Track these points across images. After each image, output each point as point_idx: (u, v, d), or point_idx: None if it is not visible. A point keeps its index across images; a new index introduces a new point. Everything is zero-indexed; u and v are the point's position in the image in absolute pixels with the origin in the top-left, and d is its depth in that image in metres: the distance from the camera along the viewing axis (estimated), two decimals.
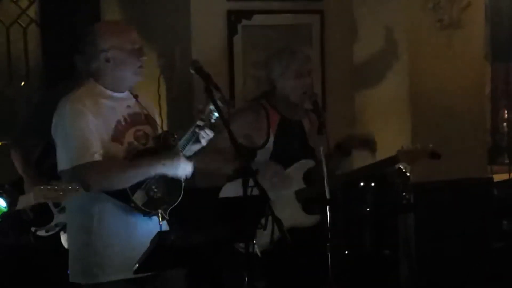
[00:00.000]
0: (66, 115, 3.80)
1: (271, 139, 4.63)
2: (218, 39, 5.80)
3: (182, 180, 3.93)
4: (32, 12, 6.14)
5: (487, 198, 6.09)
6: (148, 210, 3.83)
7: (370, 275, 5.69)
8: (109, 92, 3.90)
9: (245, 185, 3.58)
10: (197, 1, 5.74)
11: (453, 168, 5.64)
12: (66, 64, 4.91)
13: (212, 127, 3.85)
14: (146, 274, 3.63)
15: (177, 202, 3.93)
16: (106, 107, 3.85)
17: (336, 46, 6.11)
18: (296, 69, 4.62)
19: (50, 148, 4.80)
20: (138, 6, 5.99)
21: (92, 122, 3.77)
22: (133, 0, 6.04)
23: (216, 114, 3.79)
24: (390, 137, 5.88)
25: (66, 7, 5.96)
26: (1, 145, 5.76)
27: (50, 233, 4.71)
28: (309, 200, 4.62)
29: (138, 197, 3.81)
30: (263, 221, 3.58)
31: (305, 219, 4.61)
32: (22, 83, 6.13)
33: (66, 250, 4.71)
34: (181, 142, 3.91)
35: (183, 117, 5.61)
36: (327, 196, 4.22)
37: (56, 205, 4.68)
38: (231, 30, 5.82)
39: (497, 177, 6.33)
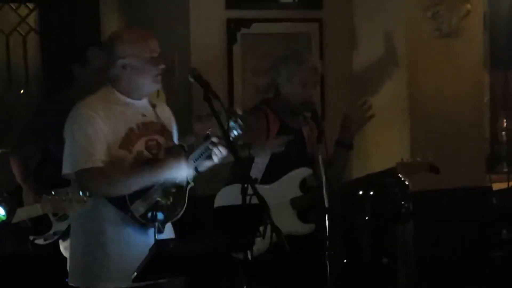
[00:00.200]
0: (76, 120, 3.84)
1: None
2: (217, 47, 5.81)
3: (186, 195, 3.92)
4: (31, 20, 6.14)
5: (486, 206, 6.08)
6: (144, 221, 3.82)
7: (368, 284, 5.68)
8: (125, 99, 3.91)
9: (243, 194, 3.58)
10: (197, 9, 5.74)
11: (452, 177, 5.63)
12: (66, 72, 4.93)
13: (229, 145, 3.81)
14: (145, 283, 3.63)
15: (177, 217, 3.93)
16: (119, 113, 3.87)
17: (335, 54, 6.11)
18: (302, 78, 4.62)
19: (48, 157, 4.81)
20: (137, 14, 6.00)
21: (100, 129, 3.79)
22: (133, 8, 6.05)
23: (236, 132, 3.78)
24: (389, 145, 5.89)
25: (66, 16, 5.97)
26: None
27: (48, 241, 4.70)
28: (304, 208, 4.62)
29: (137, 208, 3.81)
30: (261, 229, 3.58)
31: (300, 227, 4.61)
32: (22, 91, 6.14)
33: (65, 258, 4.72)
34: (192, 156, 3.88)
35: (182, 124, 5.60)
36: (326, 204, 4.22)
37: (55, 213, 4.68)
38: (230, 38, 5.83)
39: (496, 186, 6.32)
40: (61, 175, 3.89)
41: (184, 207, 3.93)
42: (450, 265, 5.80)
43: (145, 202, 3.82)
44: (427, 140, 5.82)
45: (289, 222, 4.55)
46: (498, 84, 7.08)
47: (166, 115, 4.08)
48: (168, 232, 3.94)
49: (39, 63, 6.10)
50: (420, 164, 4.70)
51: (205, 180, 4.14)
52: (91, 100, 3.90)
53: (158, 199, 3.84)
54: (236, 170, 4.48)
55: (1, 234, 4.66)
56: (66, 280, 4.06)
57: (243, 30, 5.84)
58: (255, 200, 3.56)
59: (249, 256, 3.63)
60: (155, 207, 3.83)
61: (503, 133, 6.93)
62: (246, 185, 3.58)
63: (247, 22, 5.86)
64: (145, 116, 3.95)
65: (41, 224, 4.67)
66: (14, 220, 4.54)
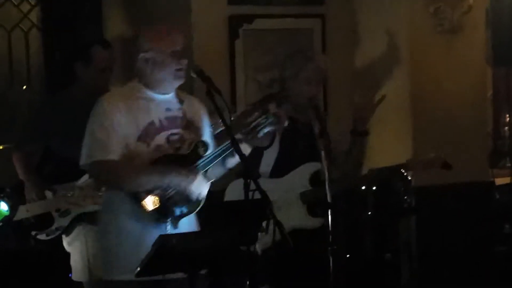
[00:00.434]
0: (96, 112, 3.88)
1: (277, 138, 4.61)
2: (219, 43, 5.81)
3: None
4: (33, 16, 6.13)
5: (488, 202, 6.08)
6: (157, 216, 3.82)
7: (371, 279, 5.68)
8: (148, 93, 3.94)
9: (246, 189, 3.58)
10: (199, 5, 5.74)
11: (455, 172, 5.61)
12: (68, 68, 4.93)
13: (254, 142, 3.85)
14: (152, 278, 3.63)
15: (193, 213, 3.92)
16: (140, 107, 3.90)
17: (337, 50, 6.10)
18: (307, 76, 4.62)
19: (50, 153, 4.82)
20: (139, 11, 6.00)
21: (118, 122, 3.82)
22: (135, 4, 6.05)
23: (266, 129, 3.83)
24: (391, 140, 5.88)
25: (68, 12, 5.96)
26: (2, 148, 5.76)
27: (50, 236, 4.70)
28: (314, 202, 4.62)
29: (149, 202, 3.81)
30: (264, 224, 3.58)
31: (309, 221, 4.62)
32: (24, 87, 6.13)
33: (68, 253, 4.73)
34: (210, 154, 3.90)
35: None
36: (329, 199, 4.22)
37: (57, 209, 4.69)
38: (233, 34, 5.83)
39: (498, 181, 6.32)
40: (79, 167, 3.92)
41: (201, 204, 3.91)
42: (453, 260, 5.80)
43: (159, 197, 3.81)
44: (429, 135, 5.82)
45: (298, 216, 4.57)
46: (500, 80, 7.08)
47: (195, 109, 4.07)
48: (192, 226, 3.93)
49: (41, 60, 6.09)
50: (433, 161, 4.70)
51: None
52: (113, 93, 4.00)
53: (172, 194, 3.83)
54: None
55: (4, 229, 4.68)
56: (70, 275, 4.07)
57: (245, 26, 5.84)
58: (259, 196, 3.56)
59: (258, 251, 3.65)
60: (169, 202, 3.83)
61: (506, 128, 6.94)
62: (248, 181, 3.59)
63: (249, 18, 5.86)
64: (170, 110, 3.96)
65: (43, 219, 4.68)
66: (29, 215, 4.57)
